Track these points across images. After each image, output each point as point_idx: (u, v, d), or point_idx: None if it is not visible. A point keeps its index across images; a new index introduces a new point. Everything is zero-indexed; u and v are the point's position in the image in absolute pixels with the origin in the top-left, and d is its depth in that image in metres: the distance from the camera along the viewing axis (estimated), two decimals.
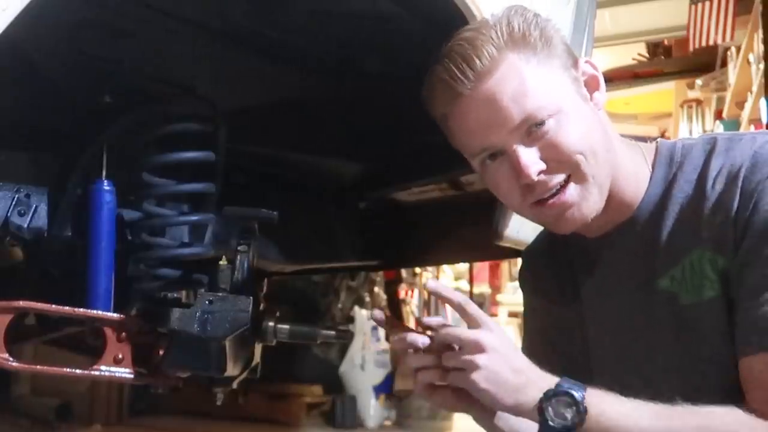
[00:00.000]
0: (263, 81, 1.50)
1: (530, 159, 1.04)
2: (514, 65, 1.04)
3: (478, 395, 1.01)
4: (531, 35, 1.05)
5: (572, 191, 1.06)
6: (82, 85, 1.31)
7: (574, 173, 1.06)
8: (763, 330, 0.99)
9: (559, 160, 1.04)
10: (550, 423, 0.97)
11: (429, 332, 1.06)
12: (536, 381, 1.00)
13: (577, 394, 0.96)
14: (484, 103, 1.04)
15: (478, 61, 1.03)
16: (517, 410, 1.00)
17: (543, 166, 1.04)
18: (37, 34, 1.08)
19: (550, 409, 0.97)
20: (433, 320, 1.07)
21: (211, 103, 1.35)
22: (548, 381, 0.99)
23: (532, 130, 1.04)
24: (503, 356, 0.99)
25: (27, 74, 1.24)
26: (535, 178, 1.04)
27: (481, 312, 1.03)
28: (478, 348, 0.99)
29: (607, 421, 0.97)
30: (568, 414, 0.96)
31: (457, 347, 1.02)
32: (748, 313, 1.00)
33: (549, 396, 0.98)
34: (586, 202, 1.07)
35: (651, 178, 1.13)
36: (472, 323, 1.03)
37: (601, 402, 0.98)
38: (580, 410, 0.96)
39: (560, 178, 1.06)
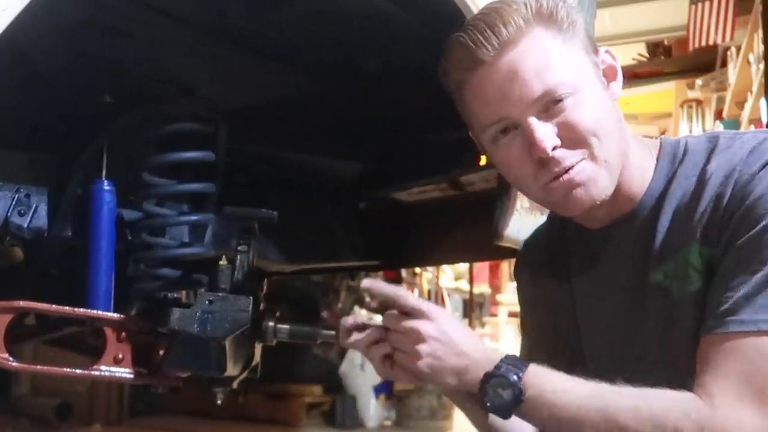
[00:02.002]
0: (263, 81, 1.50)
1: (546, 133, 1.03)
2: (539, 39, 1.04)
3: (423, 379, 1.08)
4: (558, 13, 1.05)
5: (583, 169, 1.05)
6: (82, 85, 1.31)
7: (588, 154, 1.05)
8: (717, 314, 1.00)
9: (574, 139, 1.04)
10: (489, 404, 1.03)
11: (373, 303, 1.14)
12: (478, 363, 1.05)
13: (512, 377, 1.02)
14: (505, 73, 1.03)
15: (504, 30, 1.03)
16: (462, 389, 1.08)
17: (558, 141, 1.04)
18: (37, 34, 1.08)
19: (489, 391, 1.03)
20: (372, 284, 1.11)
21: (210, 103, 1.35)
22: (490, 362, 1.04)
23: (549, 105, 1.03)
24: (444, 343, 1.05)
25: (27, 74, 1.24)
26: (550, 152, 1.03)
27: (419, 301, 1.08)
28: (418, 338, 1.05)
29: (545, 401, 1.02)
30: (506, 395, 1.02)
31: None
32: (712, 296, 1.02)
33: (488, 378, 1.03)
34: (595, 183, 1.06)
35: (654, 174, 1.13)
36: (413, 314, 1.07)
37: (539, 382, 1.02)
38: (517, 392, 1.01)
39: (575, 158, 1.05)
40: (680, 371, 1.07)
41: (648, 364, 1.11)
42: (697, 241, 1.06)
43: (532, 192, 1.13)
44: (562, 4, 1.07)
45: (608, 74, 1.12)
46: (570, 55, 1.05)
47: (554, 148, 1.04)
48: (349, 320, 1.13)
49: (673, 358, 1.08)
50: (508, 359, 1.04)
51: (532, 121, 1.04)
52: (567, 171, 1.05)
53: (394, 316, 1.08)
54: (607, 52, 1.13)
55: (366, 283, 1.11)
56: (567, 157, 1.05)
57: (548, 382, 1.02)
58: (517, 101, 1.04)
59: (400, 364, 1.09)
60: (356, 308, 4.60)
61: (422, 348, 1.05)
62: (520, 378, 1.02)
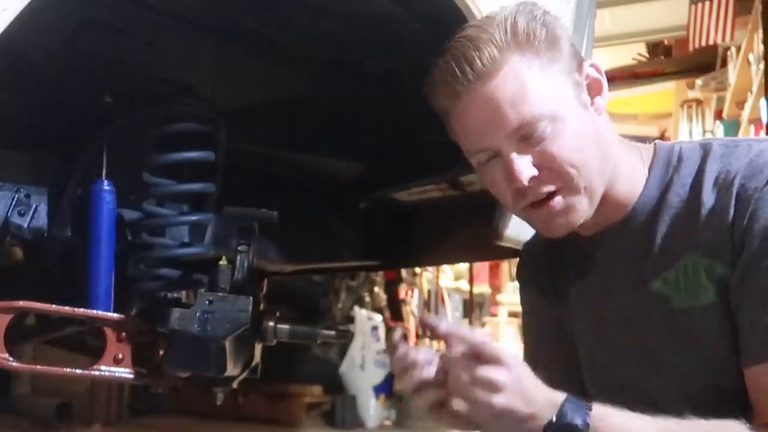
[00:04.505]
0: (263, 81, 1.50)
1: (522, 165, 1.03)
2: (515, 68, 1.02)
3: (481, 428, 1.00)
4: (536, 36, 1.03)
5: (559, 201, 1.06)
6: (82, 85, 1.31)
7: (566, 185, 1.05)
8: (765, 341, 0.98)
9: (551, 169, 1.04)
10: None
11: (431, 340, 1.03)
12: (542, 409, 0.96)
13: (579, 423, 0.95)
14: (482, 104, 1.03)
15: (478, 62, 1.02)
16: None
17: (535, 172, 1.04)
18: (36, 34, 1.08)
19: None
20: (435, 321, 1.04)
21: (211, 102, 1.35)
22: (552, 406, 0.96)
23: (528, 136, 1.03)
24: (517, 393, 0.96)
25: (27, 74, 1.24)
26: (526, 183, 1.04)
27: (493, 346, 0.97)
28: (494, 388, 0.95)
29: None
30: None
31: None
32: (756, 321, 1.00)
33: (554, 428, 0.95)
34: (573, 212, 1.07)
35: (647, 181, 1.13)
36: (487, 359, 0.97)
37: (607, 425, 0.96)
38: None
39: (551, 188, 1.05)
40: (685, 377, 1.08)
41: (648, 369, 1.12)
42: (698, 252, 1.05)
43: (516, 214, 1.14)
44: (543, 22, 1.05)
45: (593, 89, 1.10)
46: (548, 81, 1.04)
47: (531, 179, 1.04)
48: (396, 335, 1.04)
49: (677, 364, 1.08)
50: (570, 401, 0.97)
51: (510, 153, 1.04)
52: (544, 199, 1.06)
53: (465, 360, 0.97)
54: (591, 65, 1.11)
55: (444, 328, 1.00)
56: (543, 186, 1.05)
57: (616, 425, 0.96)
58: (494, 133, 1.04)
59: (458, 411, 0.97)
60: (356, 308, 4.60)
61: (496, 399, 0.95)
62: (587, 423, 0.95)
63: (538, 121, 1.02)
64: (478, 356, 0.96)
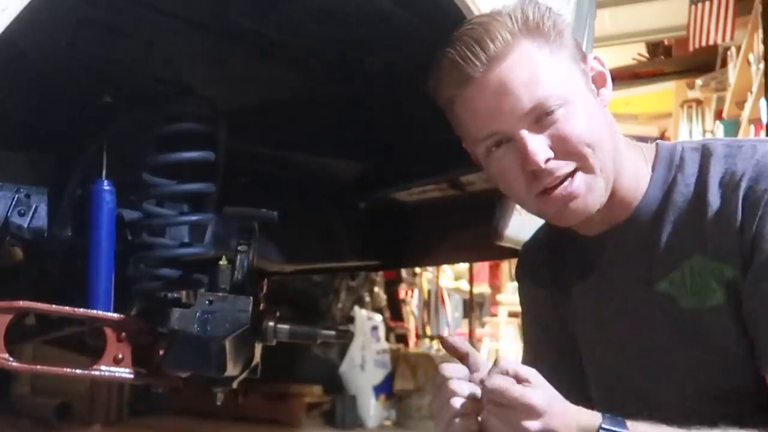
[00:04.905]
0: (263, 80, 1.50)
1: (538, 146, 1.03)
2: (527, 52, 1.03)
3: None
4: (545, 24, 1.05)
5: (580, 181, 1.05)
6: (81, 84, 1.31)
7: (582, 165, 1.05)
8: None
9: (566, 150, 1.04)
10: None
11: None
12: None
13: None
14: (495, 87, 1.03)
15: (491, 45, 1.03)
16: None
17: (551, 153, 1.04)
18: (36, 33, 1.08)
19: None
20: (460, 345, 1.04)
21: (211, 102, 1.35)
22: (590, 427, 0.96)
23: (541, 118, 1.03)
24: (554, 415, 0.94)
25: (27, 74, 1.24)
26: (543, 165, 1.03)
27: (526, 369, 0.96)
28: (534, 414, 0.93)
29: None
30: None
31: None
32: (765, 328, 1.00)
33: None
34: (591, 193, 1.06)
35: (651, 180, 1.12)
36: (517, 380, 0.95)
37: None
38: None
39: (568, 168, 1.05)
40: (690, 378, 1.08)
41: (653, 369, 1.12)
42: (707, 256, 1.05)
43: (527, 204, 1.12)
44: (549, 15, 1.06)
45: (598, 81, 1.11)
46: (558, 66, 1.05)
47: (547, 161, 1.03)
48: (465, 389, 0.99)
49: (682, 365, 1.08)
50: (606, 422, 0.96)
51: (524, 134, 1.03)
52: (561, 182, 1.05)
53: (504, 385, 0.94)
54: (595, 58, 1.12)
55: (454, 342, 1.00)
56: (559, 168, 1.04)
57: None
58: (508, 115, 1.04)
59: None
60: (356, 308, 4.60)
61: (534, 425, 0.93)
62: None
63: (551, 103, 1.03)
64: (515, 379, 0.95)
